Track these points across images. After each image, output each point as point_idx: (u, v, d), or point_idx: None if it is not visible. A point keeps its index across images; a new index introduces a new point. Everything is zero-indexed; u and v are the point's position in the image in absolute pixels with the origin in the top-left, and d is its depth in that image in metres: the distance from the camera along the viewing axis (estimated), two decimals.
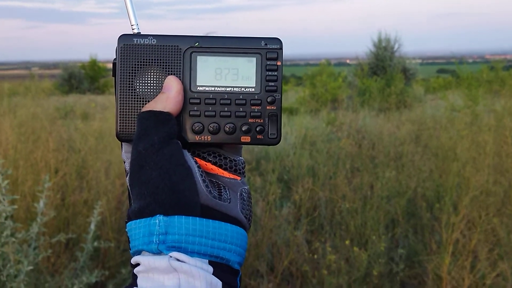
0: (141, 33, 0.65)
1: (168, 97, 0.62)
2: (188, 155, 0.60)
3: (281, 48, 0.66)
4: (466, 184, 3.67)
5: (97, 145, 4.68)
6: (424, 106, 9.72)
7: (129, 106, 0.64)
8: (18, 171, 3.46)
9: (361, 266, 3.09)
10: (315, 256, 3.28)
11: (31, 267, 2.39)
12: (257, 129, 0.65)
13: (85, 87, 20.34)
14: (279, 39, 0.66)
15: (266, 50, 0.65)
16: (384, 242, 3.35)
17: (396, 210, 3.89)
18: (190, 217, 0.56)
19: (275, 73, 0.65)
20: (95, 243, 2.78)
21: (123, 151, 0.66)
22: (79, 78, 20.88)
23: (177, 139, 0.61)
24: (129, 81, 0.64)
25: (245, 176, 0.67)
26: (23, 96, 8.89)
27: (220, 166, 0.64)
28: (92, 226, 2.82)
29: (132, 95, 0.64)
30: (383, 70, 14.36)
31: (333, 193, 4.25)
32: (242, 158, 0.68)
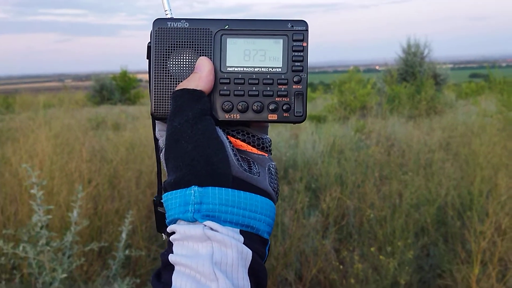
0: (174, 17, 0.68)
1: (200, 77, 0.64)
2: (220, 131, 0.63)
3: (307, 30, 0.68)
4: (497, 192, 3.60)
5: (128, 156, 4.79)
6: (455, 112, 9.57)
7: (163, 85, 0.66)
8: (53, 182, 3.58)
9: (388, 275, 3.07)
10: (341, 267, 3.28)
11: (65, 275, 2.48)
12: (284, 107, 0.67)
13: (116, 98, 20.66)
14: (305, 21, 0.68)
15: (292, 32, 0.67)
16: (413, 251, 3.32)
17: (426, 219, 3.84)
18: (223, 188, 0.59)
19: (301, 54, 0.67)
20: (127, 252, 2.85)
21: (157, 130, 0.69)
22: (111, 89, 21.22)
23: (210, 115, 0.63)
24: (163, 62, 0.66)
25: (271, 153, 0.69)
26: (58, 108, 9.15)
27: (248, 143, 0.67)
28: (124, 235, 2.89)
29: (166, 75, 0.66)
30: (413, 76, 14.19)
31: (362, 201, 4.23)
32: (268, 136, 0.70)
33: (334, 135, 6.61)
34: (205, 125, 0.61)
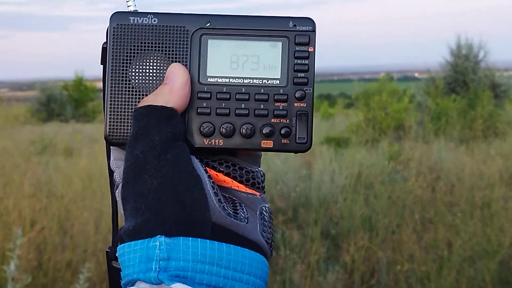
0: (139, 11, 0.69)
1: (171, 89, 0.65)
2: (196, 162, 0.63)
3: (313, 31, 0.69)
4: None
5: (84, 190, 4.79)
6: None
7: (122, 100, 0.67)
8: None
9: None
10: None
11: None
12: (282, 132, 0.68)
13: (68, 114, 20.64)
14: (312, 19, 0.69)
15: (295, 32, 0.69)
16: None
17: (484, 276, 3.83)
18: (199, 239, 0.59)
19: (306, 62, 0.69)
20: None
21: (112, 159, 0.70)
22: (61, 102, 21.19)
23: (183, 141, 0.64)
24: (123, 70, 0.68)
25: (264, 192, 0.70)
26: None
27: (234, 178, 0.67)
28: None
29: (126, 87, 0.68)
30: (465, 86, 14.27)
31: (397, 252, 4.21)
32: (261, 169, 0.71)
33: (360, 164, 6.60)
34: (177, 153, 0.62)
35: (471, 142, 9.26)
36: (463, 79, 14.63)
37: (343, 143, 9.68)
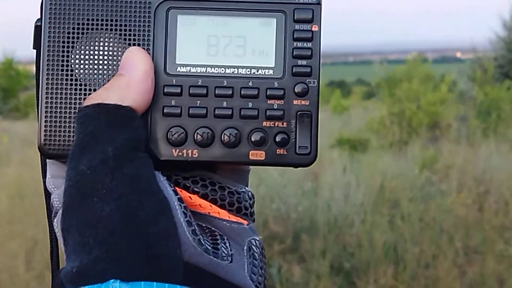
0: None
1: (129, 82, 0.65)
2: (162, 180, 0.63)
3: (319, 3, 0.70)
4: None
5: (13, 211, 4.76)
6: None
7: (62, 97, 0.67)
8: None
9: None
10: None
11: None
12: (277, 139, 0.69)
13: None
14: None
15: (293, 5, 0.69)
16: None
17: None
18: (167, 284, 0.57)
19: (309, 45, 0.70)
20: None
21: (49, 176, 0.69)
22: None
23: (144, 151, 0.64)
24: (63, 56, 0.68)
25: (254, 220, 0.70)
26: None
27: (214, 202, 0.68)
28: None
29: (67, 80, 0.68)
30: None
31: None
32: (249, 189, 0.71)
33: (383, 174, 6.61)
34: (136, 169, 0.62)
35: None
36: None
37: (361, 146, 9.70)
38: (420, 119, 11.57)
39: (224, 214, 0.67)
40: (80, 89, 0.67)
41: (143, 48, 0.68)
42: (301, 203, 5.88)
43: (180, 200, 0.63)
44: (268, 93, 0.68)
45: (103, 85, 0.66)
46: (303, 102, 0.69)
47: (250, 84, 0.69)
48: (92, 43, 0.68)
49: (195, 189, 0.67)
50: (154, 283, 0.57)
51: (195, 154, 0.68)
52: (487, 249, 4.78)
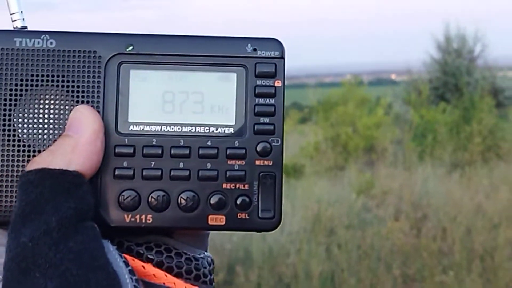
0: (29, 29, 0.68)
1: (76, 144, 0.63)
2: (112, 251, 0.61)
3: (282, 57, 0.69)
4: None
5: None
6: None
7: (4, 159, 0.65)
8: None
9: None
10: None
11: None
12: (238, 202, 0.67)
13: None
14: (278, 41, 0.70)
15: (255, 59, 0.68)
16: None
17: None
18: None
19: (271, 101, 0.68)
20: None
21: None
22: None
23: (92, 220, 0.62)
24: (5, 115, 0.65)
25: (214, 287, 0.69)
26: None
27: (169, 270, 0.66)
28: None
29: (9, 140, 0.65)
30: (457, 92, 14.56)
31: None
32: (208, 254, 0.71)
33: (319, 201, 6.64)
34: (83, 240, 0.59)
35: (467, 167, 9.42)
36: (454, 82, 14.96)
37: (296, 172, 9.78)
38: (356, 143, 11.73)
39: (180, 285, 0.66)
40: (24, 151, 0.65)
41: (92, 106, 0.66)
42: (235, 233, 5.84)
43: (132, 272, 0.61)
44: (228, 152, 0.67)
45: (48, 146, 0.65)
46: (266, 162, 0.68)
47: (209, 143, 0.67)
48: (36, 101, 0.66)
49: (149, 256, 0.66)
50: None
51: (149, 220, 0.66)
52: (426, 276, 4.79)
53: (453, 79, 15.02)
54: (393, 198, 7.14)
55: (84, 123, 0.64)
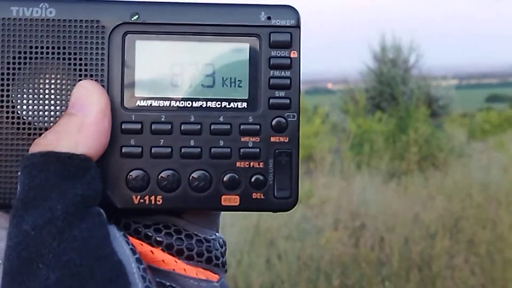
0: None
1: (82, 124, 0.60)
2: (119, 238, 0.59)
3: (298, 26, 0.66)
4: None
5: None
6: (467, 165, 9.93)
7: (2, 138, 0.62)
8: None
9: None
10: None
11: None
12: (253, 181, 0.65)
13: None
14: (294, 8, 0.67)
15: (269, 29, 0.65)
16: None
17: None
18: None
19: (287, 74, 0.66)
20: None
21: None
22: None
23: (98, 206, 0.59)
24: (2, 90, 0.62)
25: (226, 270, 0.68)
26: None
27: (180, 252, 0.64)
28: None
29: (8, 117, 0.62)
30: (393, 102, 14.70)
31: None
32: (220, 235, 0.69)
33: (258, 212, 6.57)
34: (88, 228, 0.57)
35: (403, 176, 9.50)
36: (390, 91, 15.09)
37: None
38: None
39: (190, 271, 0.64)
40: (24, 128, 0.62)
41: (96, 80, 0.63)
42: None
43: (139, 260, 0.59)
44: (241, 128, 0.65)
45: (50, 124, 0.62)
46: (281, 139, 0.66)
47: (221, 119, 0.65)
48: (36, 75, 0.63)
49: (157, 238, 0.64)
50: None
51: (159, 201, 0.64)
52: (364, 286, 4.81)
53: (389, 88, 15.18)
54: (332, 208, 7.13)
55: (89, 101, 0.61)
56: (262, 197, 0.65)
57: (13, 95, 0.63)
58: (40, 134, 0.62)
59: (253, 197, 0.65)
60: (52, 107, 0.63)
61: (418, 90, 15.04)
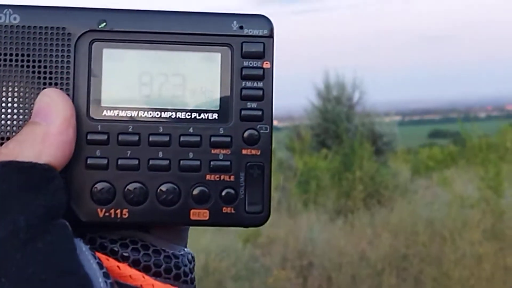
0: None
1: (46, 133, 0.58)
2: (85, 251, 0.57)
3: (270, 36, 0.65)
4: None
5: None
6: (412, 201, 10.02)
7: None
8: None
9: None
10: None
11: None
12: (223, 195, 0.63)
13: None
14: (267, 18, 0.65)
15: (241, 38, 0.64)
16: None
17: None
18: None
19: (259, 84, 0.64)
20: None
21: None
22: None
23: (63, 215, 0.57)
24: None
25: (195, 286, 0.65)
26: None
27: (147, 269, 0.62)
28: None
29: None
30: (337, 139, 14.78)
31: None
32: (188, 250, 0.67)
33: (206, 251, 6.57)
34: (53, 241, 0.54)
35: (350, 214, 9.53)
36: (335, 128, 15.15)
37: None
38: None
39: (158, 287, 0.61)
40: None
41: (62, 88, 0.61)
42: None
43: (106, 275, 0.57)
44: (212, 140, 0.63)
45: (12, 133, 0.60)
46: (253, 152, 0.64)
47: (191, 130, 0.62)
48: None
49: (124, 254, 0.62)
50: None
51: (125, 214, 0.61)
52: None
53: (334, 125, 15.23)
54: (279, 246, 7.11)
55: (54, 109, 0.59)
56: (233, 211, 0.63)
57: None
58: (2, 144, 0.61)
59: (224, 211, 0.63)
60: (15, 116, 0.61)
61: (362, 127, 15.10)
